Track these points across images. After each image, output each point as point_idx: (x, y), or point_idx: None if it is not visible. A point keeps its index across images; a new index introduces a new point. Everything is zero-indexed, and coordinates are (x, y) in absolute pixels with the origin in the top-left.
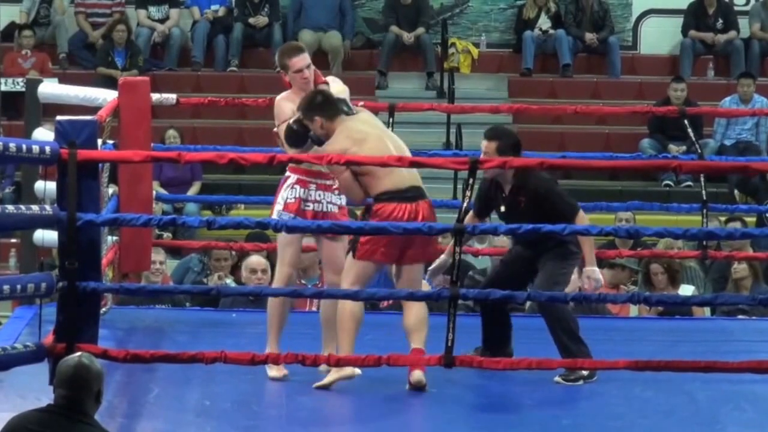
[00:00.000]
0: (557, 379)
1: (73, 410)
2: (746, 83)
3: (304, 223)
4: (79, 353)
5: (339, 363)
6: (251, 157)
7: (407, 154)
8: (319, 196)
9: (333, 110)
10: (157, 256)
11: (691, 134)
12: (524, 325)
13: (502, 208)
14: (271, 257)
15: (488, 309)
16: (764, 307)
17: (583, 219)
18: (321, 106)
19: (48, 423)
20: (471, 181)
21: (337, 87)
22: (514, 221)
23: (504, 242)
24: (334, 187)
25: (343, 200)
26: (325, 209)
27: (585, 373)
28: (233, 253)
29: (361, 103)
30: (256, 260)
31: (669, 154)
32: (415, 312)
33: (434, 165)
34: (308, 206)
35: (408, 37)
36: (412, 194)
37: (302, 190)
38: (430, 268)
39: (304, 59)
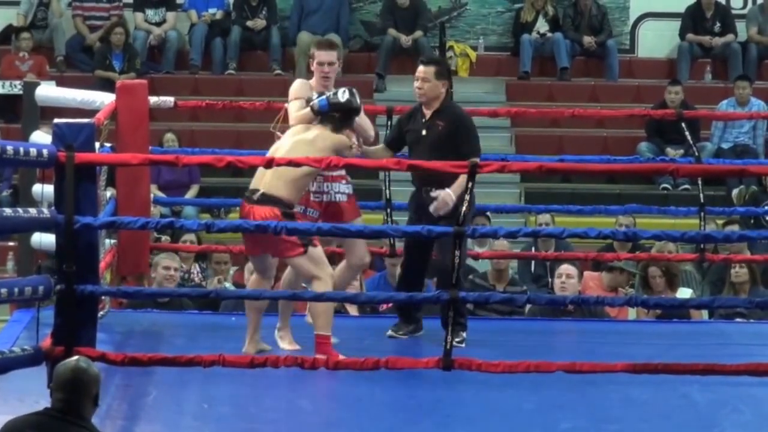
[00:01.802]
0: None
1: (71, 414)
2: (743, 86)
3: (304, 225)
4: (76, 357)
5: (338, 366)
6: (249, 160)
7: None
8: (327, 187)
9: None
10: (172, 262)
11: (689, 137)
12: (522, 328)
13: (423, 132)
14: None
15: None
16: (762, 310)
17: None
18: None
19: (45, 426)
20: (470, 184)
21: None
22: (430, 144)
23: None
24: (341, 177)
25: (350, 189)
26: (333, 199)
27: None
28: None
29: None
30: None
31: (666, 158)
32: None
33: (433, 168)
34: (317, 197)
35: (406, 40)
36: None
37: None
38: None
39: (328, 55)
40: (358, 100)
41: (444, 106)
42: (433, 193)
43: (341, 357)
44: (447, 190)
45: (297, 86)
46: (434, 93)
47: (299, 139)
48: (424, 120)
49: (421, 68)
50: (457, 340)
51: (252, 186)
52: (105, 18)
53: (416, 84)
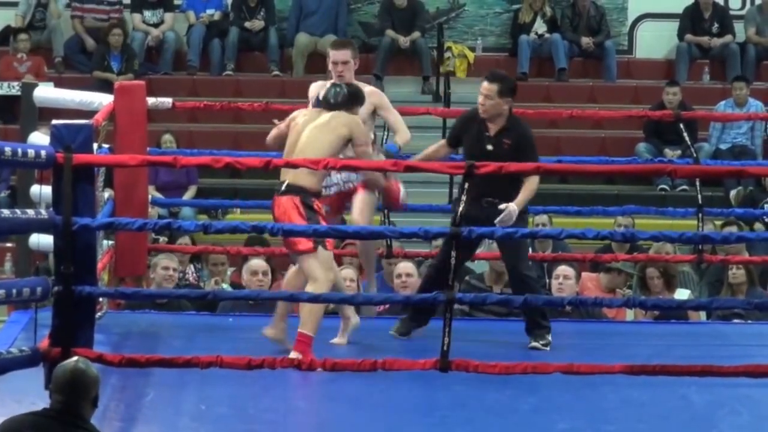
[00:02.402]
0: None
1: (70, 414)
2: (740, 87)
3: (301, 227)
4: (75, 358)
5: (335, 367)
6: (247, 161)
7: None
8: (337, 178)
9: None
10: (171, 262)
11: (687, 138)
12: (519, 329)
13: (489, 147)
14: (270, 262)
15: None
16: (760, 311)
17: (536, 182)
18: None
19: (44, 427)
20: (467, 185)
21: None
22: (497, 161)
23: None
24: None
25: (358, 176)
26: (343, 189)
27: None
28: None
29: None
30: (257, 263)
31: (665, 159)
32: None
33: (430, 169)
34: (330, 190)
35: (404, 41)
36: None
37: None
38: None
39: (341, 54)
40: (339, 90)
41: (510, 124)
42: (502, 206)
43: (314, 358)
44: (512, 204)
45: (310, 89)
46: (496, 110)
47: (314, 125)
48: (488, 135)
49: (484, 84)
50: (541, 342)
51: (280, 179)
52: (104, 20)
53: (479, 100)
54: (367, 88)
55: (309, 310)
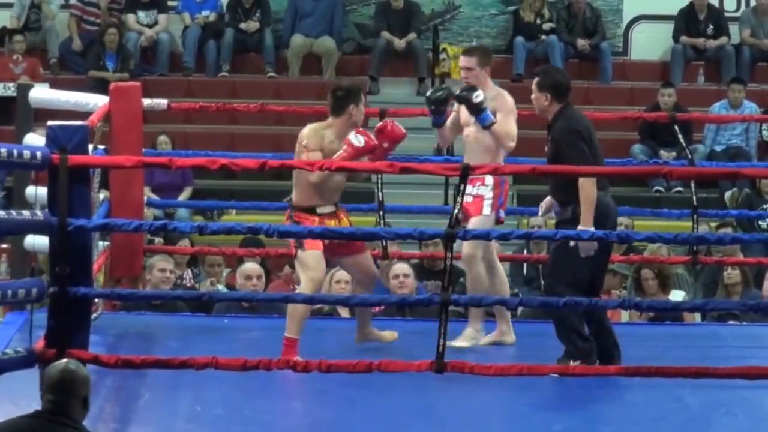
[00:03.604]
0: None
1: (61, 416)
2: (737, 89)
3: (297, 228)
4: (65, 359)
5: (331, 369)
6: (242, 163)
7: None
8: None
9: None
10: (167, 264)
11: (682, 140)
12: (515, 330)
13: (547, 145)
14: (265, 263)
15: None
16: (755, 312)
17: (587, 186)
18: None
19: (36, 429)
20: (462, 187)
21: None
22: (548, 161)
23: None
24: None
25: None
26: None
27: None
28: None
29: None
30: (250, 267)
31: (660, 160)
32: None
33: (425, 171)
34: None
35: (399, 42)
36: None
37: None
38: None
39: (464, 61)
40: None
41: (555, 121)
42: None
43: (299, 359)
44: (580, 229)
45: None
46: (538, 105)
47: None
48: (548, 132)
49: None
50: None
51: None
52: (100, 24)
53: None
54: (493, 91)
55: (290, 314)
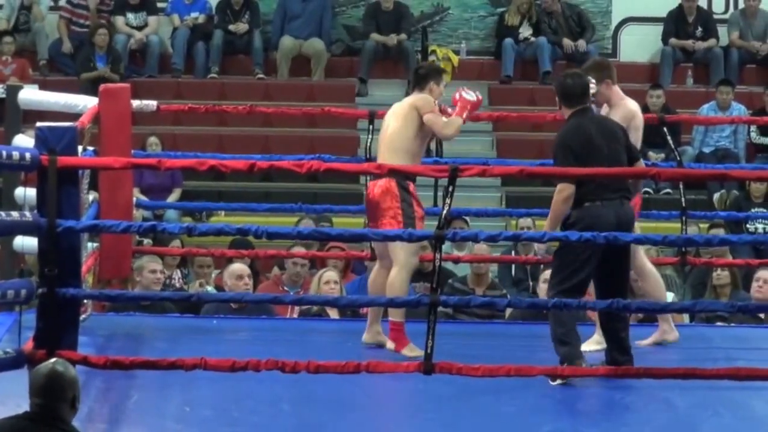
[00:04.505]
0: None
1: (49, 417)
2: (725, 91)
3: (285, 230)
4: (53, 360)
5: (319, 369)
6: (231, 164)
7: None
8: None
9: None
10: (157, 264)
11: (670, 141)
12: (503, 332)
13: None
14: (254, 264)
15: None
16: (743, 313)
17: (564, 191)
18: None
19: (24, 430)
20: (451, 188)
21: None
22: None
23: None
24: None
25: None
26: None
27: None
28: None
29: None
30: (239, 267)
31: (648, 162)
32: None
33: (414, 172)
34: None
35: (391, 39)
36: None
37: None
38: None
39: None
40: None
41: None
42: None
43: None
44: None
45: None
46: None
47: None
48: None
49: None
50: None
51: None
52: (89, 26)
53: None
54: (630, 105)
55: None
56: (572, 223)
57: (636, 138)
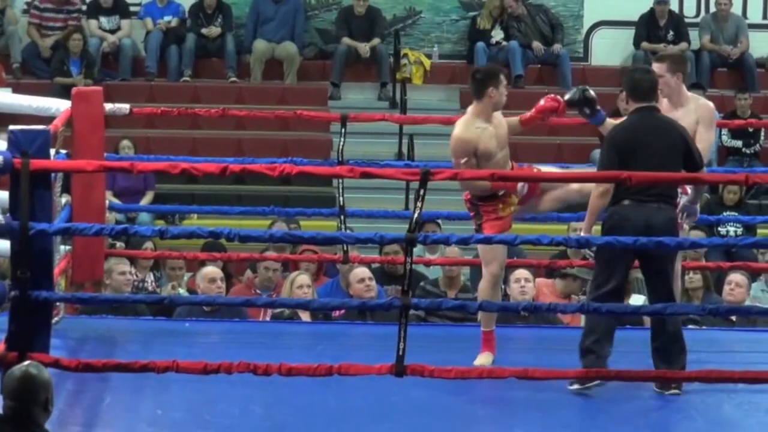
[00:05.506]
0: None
1: (22, 419)
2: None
3: (257, 233)
4: (26, 362)
5: (291, 372)
6: (204, 167)
7: None
8: None
9: None
10: (126, 266)
11: None
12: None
13: None
14: (227, 267)
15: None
16: (714, 316)
17: (600, 186)
18: None
19: None
20: (422, 191)
21: None
22: None
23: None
24: None
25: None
26: None
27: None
28: None
29: None
30: (212, 270)
31: None
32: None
33: (386, 176)
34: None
35: (365, 48)
36: None
37: None
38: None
39: (657, 67)
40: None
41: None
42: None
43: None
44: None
45: None
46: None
47: None
48: None
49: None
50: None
51: None
52: (62, 28)
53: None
54: (700, 101)
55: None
56: (604, 221)
57: (708, 138)
